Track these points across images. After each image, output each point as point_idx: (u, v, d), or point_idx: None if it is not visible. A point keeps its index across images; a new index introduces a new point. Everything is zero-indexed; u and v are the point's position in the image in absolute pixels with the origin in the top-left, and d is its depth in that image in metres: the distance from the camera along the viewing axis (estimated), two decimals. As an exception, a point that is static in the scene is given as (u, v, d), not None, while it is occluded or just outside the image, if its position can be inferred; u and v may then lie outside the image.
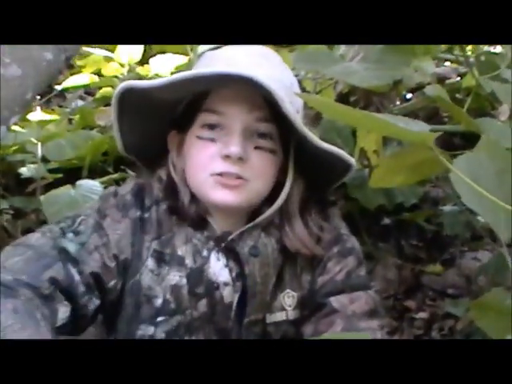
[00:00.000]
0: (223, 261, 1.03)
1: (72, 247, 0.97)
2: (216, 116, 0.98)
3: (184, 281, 1.02)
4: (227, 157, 0.96)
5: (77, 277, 0.95)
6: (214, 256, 1.03)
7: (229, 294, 1.02)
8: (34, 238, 0.98)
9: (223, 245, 1.02)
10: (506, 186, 0.60)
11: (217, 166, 0.97)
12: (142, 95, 0.99)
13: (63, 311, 0.93)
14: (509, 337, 0.65)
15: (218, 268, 1.02)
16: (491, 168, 0.62)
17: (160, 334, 1.02)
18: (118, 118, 1.03)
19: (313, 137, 0.98)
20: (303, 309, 1.06)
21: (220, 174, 0.97)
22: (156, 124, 1.06)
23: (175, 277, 1.02)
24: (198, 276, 1.02)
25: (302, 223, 1.05)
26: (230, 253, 1.03)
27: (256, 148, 0.99)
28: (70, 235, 0.98)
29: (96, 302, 0.98)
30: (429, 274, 1.98)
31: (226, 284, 1.02)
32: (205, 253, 1.02)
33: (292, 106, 0.96)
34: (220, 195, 0.98)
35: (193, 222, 1.03)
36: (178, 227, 1.03)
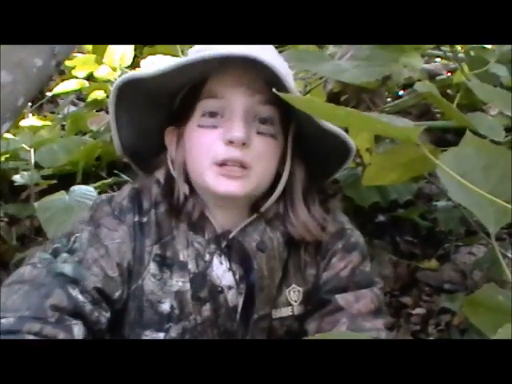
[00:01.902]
0: (226, 264, 1.02)
1: (68, 268, 0.95)
2: (217, 101, 0.98)
3: (187, 286, 1.01)
4: (230, 142, 0.95)
5: (80, 297, 0.93)
6: (216, 259, 1.02)
7: (233, 297, 1.02)
8: (26, 272, 0.95)
9: (224, 243, 1.02)
10: (492, 179, 0.61)
11: (219, 151, 0.96)
12: (139, 88, 0.98)
13: (78, 329, 0.92)
14: (500, 332, 0.65)
15: (222, 271, 1.02)
16: (477, 162, 0.62)
17: None
18: (115, 113, 1.03)
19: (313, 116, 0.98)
20: (308, 304, 1.06)
21: (223, 164, 0.96)
22: (153, 119, 1.05)
23: (178, 282, 1.01)
24: (201, 280, 1.01)
25: (305, 209, 1.04)
26: (233, 253, 1.02)
27: (258, 133, 0.98)
28: (64, 255, 0.96)
29: (106, 314, 0.97)
30: (424, 270, 1.99)
31: (230, 287, 1.02)
32: (207, 257, 1.02)
33: None
34: (224, 186, 0.97)
35: (192, 223, 1.02)
36: (178, 230, 1.02)
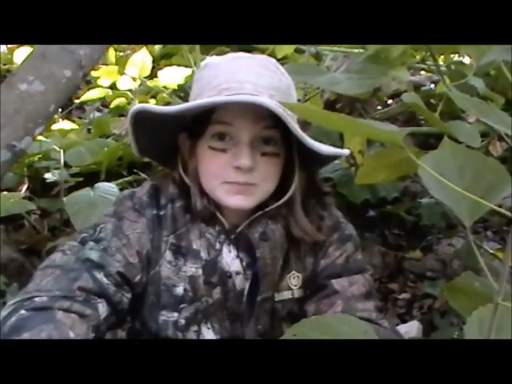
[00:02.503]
0: (234, 252, 1.03)
1: (94, 255, 0.96)
2: (225, 126, 0.98)
3: (200, 271, 1.02)
4: (238, 168, 0.96)
5: (104, 280, 0.95)
6: (225, 248, 1.03)
7: (240, 282, 1.03)
8: (58, 257, 0.97)
9: (233, 236, 1.03)
10: (466, 178, 0.61)
11: (228, 175, 0.97)
12: (153, 113, 0.99)
13: (102, 306, 0.93)
14: (474, 314, 0.66)
15: (230, 259, 1.03)
16: (453, 164, 0.63)
17: (181, 320, 1.03)
18: (133, 131, 1.03)
19: (311, 142, 0.98)
20: (307, 288, 1.07)
21: (231, 183, 0.97)
22: (167, 131, 1.05)
23: (192, 268, 1.02)
24: (212, 267, 1.02)
25: (303, 214, 1.05)
26: (240, 243, 1.03)
27: (262, 155, 0.98)
28: (91, 244, 0.98)
29: (128, 295, 0.98)
30: (409, 260, 1.99)
31: (237, 273, 1.03)
32: (217, 246, 1.03)
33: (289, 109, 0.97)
34: (233, 200, 0.98)
35: (204, 219, 1.03)
36: (192, 223, 1.03)
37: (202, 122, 1.00)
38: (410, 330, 1.62)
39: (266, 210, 1.03)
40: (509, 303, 0.60)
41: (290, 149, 1.03)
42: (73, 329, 0.86)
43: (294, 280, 1.07)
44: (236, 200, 0.98)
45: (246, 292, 1.03)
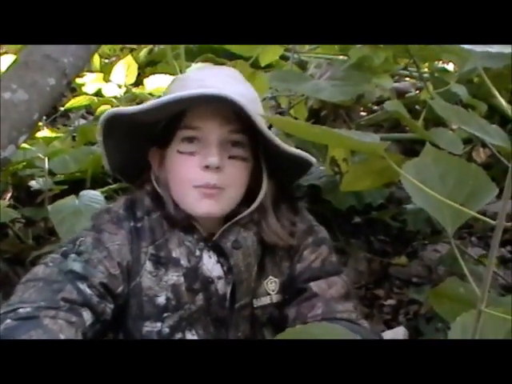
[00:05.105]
0: (214, 258, 1.04)
1: (77, 266, 0.97)
2: (194, 131, 1.00)
3: (182, 279, 1.03)
4: (206, 167, 0.98)
5: (88, 290, 0.95)
6: (205, 255, 1.04)
7: (222, 286, 1.04)
8: (40, 270, 0.97)
9: (210, 244, 1.04)
10: (448, 185, 0.62)
11: (197, 177, 0.99)
12: (125, 119, 1.00)
13: (87, 314, 0.94)
14: (458, 320, 0.66)
15: (211, 264, 1.04)
16: (435, 171, 0.64)
17: (165, 329, 1.03)
18: (103, 140, 1.04)
19: (278, 142, 1.01)
20: (285, 293, 1.08)
21: (200, 187, 0.99)
22: (138, 143, 1.06)
23: (173, 277, 1.03)
24: (193, 273, 1.03)
25: (275, 219, 1.07)
26: (219, 249, 1.04)
27: (230, 157, 1.01)
28: (73, 256, 0.99)
29: (111, 306, 0.99)
30: (395, 266, 2.00)
31: (219, 278, 1.04)
32: (197, 253, 1.04)
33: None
34: (203, 207, 1.00)
35: (182, 228, 1.04)
36: (170, 233, 1.05)
37: (171, 129, 1.02)
38: (396, 335, 1.62)
39: (238, 218, 1.04)
40: (492, 309, 0.60)
41: (257, 155, 1.05)
42: (62, 332, 0.87)
43: (272, 285, 1.08)
44: (205, 206, 0.99)
45: (228, 296, 1.04)
